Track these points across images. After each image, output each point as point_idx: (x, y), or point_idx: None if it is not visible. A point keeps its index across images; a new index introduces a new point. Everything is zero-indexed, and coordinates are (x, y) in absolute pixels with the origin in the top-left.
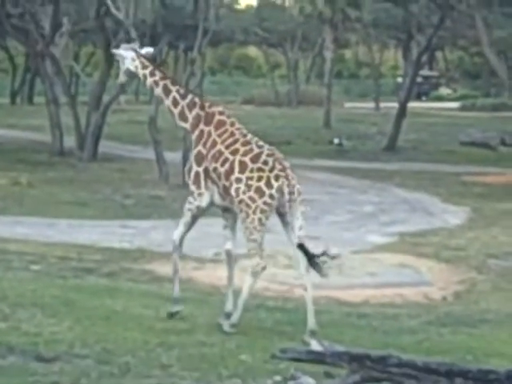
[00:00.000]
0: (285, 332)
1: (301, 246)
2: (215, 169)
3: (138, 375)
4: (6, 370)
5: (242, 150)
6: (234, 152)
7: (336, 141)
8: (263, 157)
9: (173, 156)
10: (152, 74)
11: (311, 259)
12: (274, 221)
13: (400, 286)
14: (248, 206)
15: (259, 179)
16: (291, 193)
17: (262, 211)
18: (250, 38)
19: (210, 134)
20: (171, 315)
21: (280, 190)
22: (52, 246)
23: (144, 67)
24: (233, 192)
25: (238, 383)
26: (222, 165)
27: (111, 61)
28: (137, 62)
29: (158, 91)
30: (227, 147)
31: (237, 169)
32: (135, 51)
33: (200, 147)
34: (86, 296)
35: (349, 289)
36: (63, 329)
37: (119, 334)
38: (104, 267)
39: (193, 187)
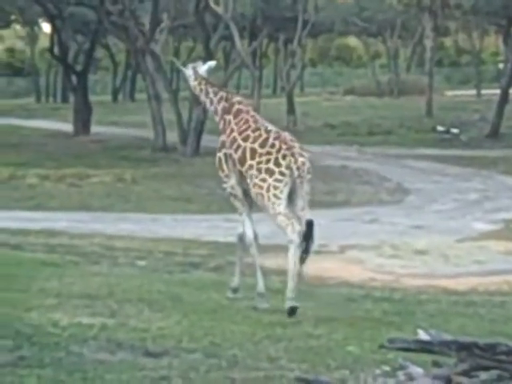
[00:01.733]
0: (392, 322)
1: (310, 224)
2: (230, 155)
3: (246, 368)
4: (115, 365)
5: (252, 136)
6: (246, 139)
7: (440, 129)
8: (270, 140)
9: None
10: (199, 84)
11: (308, 241)
12: (379, 212)
13: (507, 273)
14: (261, 187)
15: (267, 161)
16: (299, 169)
17: (275, 187)
18: (349, 28)
19: (230, 122)
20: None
21: (289, 167)
22: (157, 242)
23: (195, 79)
24: (248, 179)
25: (346, 374)
26: (236, 151)
27: (212, 55)
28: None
29: (202, 96)
30: (240, 133)
31: (248, 156)
32: (194, 69)
33: (222, 135)
34: (192, 290)
35: (456, 277)
36: (171, 324)
37: (226, 327)
38: (210, 261)
39: (220, 172)
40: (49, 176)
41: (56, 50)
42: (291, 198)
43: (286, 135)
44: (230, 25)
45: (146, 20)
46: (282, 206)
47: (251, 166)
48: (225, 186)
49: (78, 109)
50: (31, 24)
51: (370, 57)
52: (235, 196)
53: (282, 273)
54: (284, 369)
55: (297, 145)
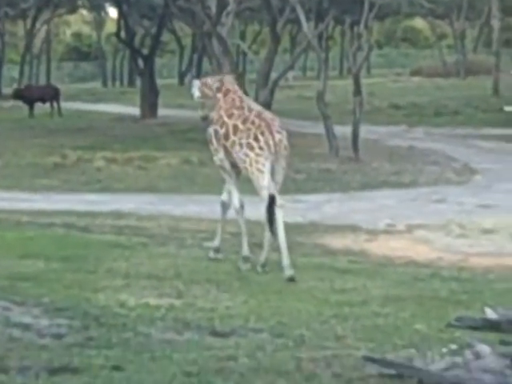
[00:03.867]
0: (460, 301)
1: (272, 198)
2: (217, 130)
3: (313, 347)
4: (183, 345)
5: (236, 114)
6: (230, 116)
7: (508, 108)
8: (251, 118)
9: (342, 130)
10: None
11: (271, 211)
12: (446, 191)
13: None
14: (244, 161)
15: (248, 137)
16: (276, 145)
17: (257, 162)
18: (416, 10)
19: (219, 100)
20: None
21: (266, 143)
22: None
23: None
24: (233, 154)
25: (413, 353)
26: (221, 127)
27: (278, 38)
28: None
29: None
30: (226, 111)
31: (231, 131)
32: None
33: (213, 112)
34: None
35: None
36: (238, 303)
37: (293, 307)
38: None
39: (210, 146)
40: (116, 159)
41: (123, 34)
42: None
43: (267, 114)
44: (297, 8)
45: (212, 3)
46: (266, 180)
47: (234, 142)
48: (214, 158)
49: (145, 92)
50: (98, 9)
51: (437, 38)
52: (223, 168)
53: (349, 252)
54: (351, 348)
55: (276, 123)
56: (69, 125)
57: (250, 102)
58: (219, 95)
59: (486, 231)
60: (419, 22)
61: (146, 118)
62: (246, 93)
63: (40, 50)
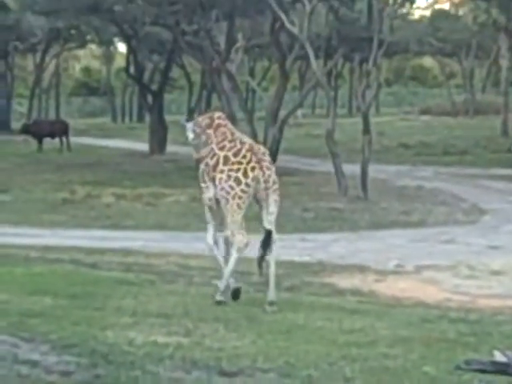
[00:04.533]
0: (468, 343)
1: (269, 233)
2: (207, 163)
3: None
4: None
5: (228, 146)
6: (222, 148)
7: None
8: (243, 151)
9: (351, 168)
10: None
11: (265, 247)
12: (455, 232)
13: None
14: (228, 192)
15: (237, 170)
16: (266, 181)
17: (240, 197)
18: (424, 48)
19: (210, 136)
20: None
21: (256, 179)
22: None
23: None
24: (217, 181)
25: None
26: (211, 158)
27: (287, 75)
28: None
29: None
30: (217, 144)
31: (221, 162)
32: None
33: (204, 148)
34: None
35: None
36: (246, 343)
37: (301, 347)
38: (285, 281)
39: (201, 183)
40: (125, 195)
41: (132, 69)
42: (260, 206)
43: (258, 148)
44: (306, 45)
45: (221, 40)
46: (240, 216)
47: (222, 171)
48: (203, 196)
49: (154, 128)
50: (107, 44)
51: (446, 77)
52: (210, 208)
53: (358, 293)
54: None
55: (267, 158)
56: (78, 160)
57: (240, 135)
58: (209, 131)
59: (495, 272)
60: (428, 61)
61: (154, 153)
62: (254, 131)
63: (49, 84)
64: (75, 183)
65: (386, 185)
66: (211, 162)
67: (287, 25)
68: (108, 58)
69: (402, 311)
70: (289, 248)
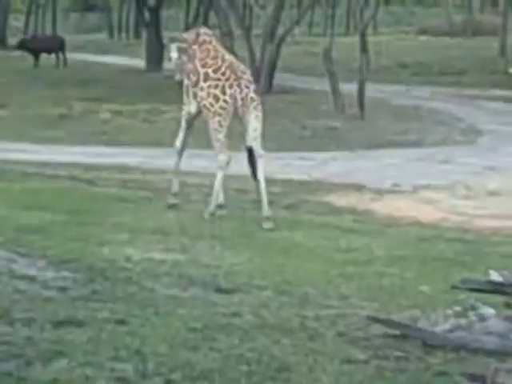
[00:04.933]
0: (464, 263)
1: (250, 149)
2: (190, 78)
3: (317, 305)
4: (187, 301)
5: (209, 62)
6: (204, 65)
7: None
8: (222, 69)
9: (348, 87)
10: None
11: (252, 162)
12: (452, 152)
13: None
14: (208, 110)
15: (216, 87)
16: (243, 99)
17: (220, 114)
18: None
19: (195, 51)
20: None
21: (232, 96)
22: (230, 179)
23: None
24: (198, 98)
25: (417, 313)
26: (194, 75)
27: None
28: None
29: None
30: (200, 60)
31: (201, 78)
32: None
33: (189, 64)
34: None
35: None
36: (242, 261)
37: (298, 265)
38: (283, 199)
39: (184, 96)
40: (122, 111)
41: None
42: (242, 122)
43: (238, 66)
44: None
45: None
46: (222, 134)
47: (202, 88)
48: (183, 108)
49: (151, 45)
50: None
51: None
52: (186, 120)
53: (354, 211)
54: (355, 307)
55: (246, 76)
56: (74, 76)
57: (224, 52)
58: (195, 47)
59: (492, 193)
60: None
61: (151, 70)
62: (251, 48)
63: None
64: (72, 99)
65: (383, 104)
66: (193, 78)
67: None
68: None
69: (398, 230)
70: (287, 166)
